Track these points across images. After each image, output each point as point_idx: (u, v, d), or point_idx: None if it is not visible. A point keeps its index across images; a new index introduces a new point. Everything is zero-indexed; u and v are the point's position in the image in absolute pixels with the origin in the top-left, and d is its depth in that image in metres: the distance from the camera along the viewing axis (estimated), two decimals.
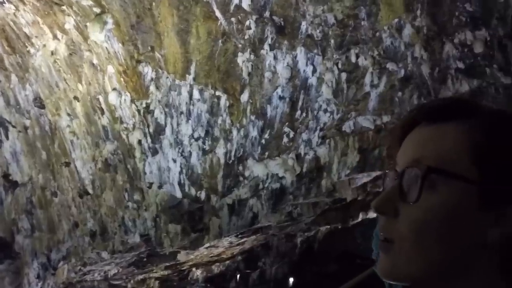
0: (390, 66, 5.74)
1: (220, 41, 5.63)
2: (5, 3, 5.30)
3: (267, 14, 5.50)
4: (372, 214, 6.62)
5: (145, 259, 6.15)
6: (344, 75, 5.84)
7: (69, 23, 5.45)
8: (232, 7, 5.43)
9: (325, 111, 5.95)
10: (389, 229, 0.76)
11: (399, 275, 0.76)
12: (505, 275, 0.75)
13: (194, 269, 6.47)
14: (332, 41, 5.64)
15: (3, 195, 6.91)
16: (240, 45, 5.66)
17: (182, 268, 6.33)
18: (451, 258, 0.76)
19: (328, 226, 5.63)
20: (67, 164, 6.56)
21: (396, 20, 5.54)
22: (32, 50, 5.93)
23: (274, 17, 5.53)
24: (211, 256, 6.49)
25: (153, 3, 5.27)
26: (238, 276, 6.63)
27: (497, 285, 0.77)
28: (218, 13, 5.44)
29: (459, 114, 0.81)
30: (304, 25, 5.57)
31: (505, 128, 0.79)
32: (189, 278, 6.36)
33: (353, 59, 5.74)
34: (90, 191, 6.54)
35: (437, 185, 0.75)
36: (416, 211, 0.75)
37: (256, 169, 6.26)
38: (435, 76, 5.70)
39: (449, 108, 0.82)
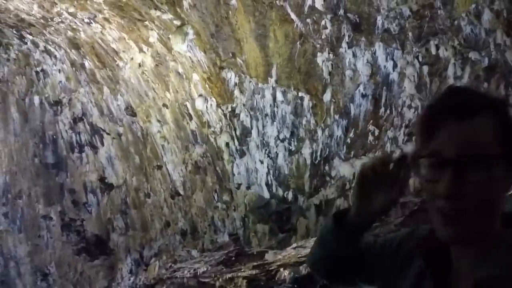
0: (473, 55, 5.66)
1: (298, 42, 5.88)
2: (92, 23, 5.98)
3: (341, 12, 5.66)
4: None
5: (233, 258, 6.46)
6: (425, 68, 5.86)
7: (153, 36, 6.02)
8: (306, 9, 5.67)
9: (409, 107, 5.98)
10: None
11: None
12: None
13: (281, 269, 6.73)
14: (410, 33, 5.69)
15: (99, 196, 7.62)
16: (318, 45, 5.88)
17: (270, 268, 6.60)
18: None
19: None
20: (159, 167, 7.11)
21: (473, 5, 5.42)
22: (120, 64, 6.59)
23: (349, 15, 5.68)
24: (299, 257, 6.72)
25: (229, 12, 5.65)
26: None
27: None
28: (293, 16, 5.73)
29: (482, 109, 1.17)
30: (379, 20, 5.65)
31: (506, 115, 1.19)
32: (276, 278, 6.65)
33: (433, 50, 5.73)
34: (181, 192, 7.03)
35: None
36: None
37: (342, 168, 6.39)
38: None
39: (474, 106, 1.18)
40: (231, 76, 6.23)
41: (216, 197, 6.87)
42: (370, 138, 6.22)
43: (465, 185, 1.13)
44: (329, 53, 5.94)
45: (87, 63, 6.84)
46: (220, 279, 6.18)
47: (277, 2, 5.69)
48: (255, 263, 6.44)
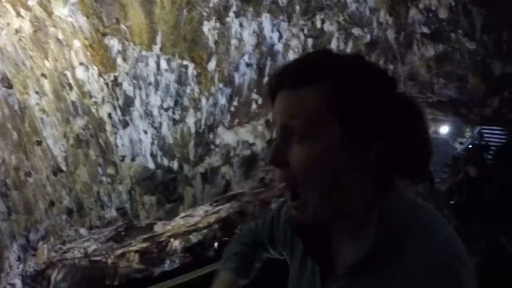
0: (356, 31, 5.97)
1: (184, 10, 5.78)
2: None
3: None
4: None
5: (123, 233, 6.39)
6: (310, 41, 6.07)
7: None
8: None
9: None
10: None
11: None
12: (372, 180, 1.09)
13: (172, 239, 6.76)
14: (297, 7, 5.84)
15: None
16: (205, 14, 5.83)
17: (160, 240, 6.61)
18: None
19: None
20: (39, 143, 6.67)
21: None
22: None
23: None
24: (188, 226, 6.78)
25: None
26: (216, 244, 6.98)
27: (366, 189, 1.08)
28: None
29: (313, 78, 1.07)
30: None
31: (351, 86, 1.06)
32: (167, 249, 6.67)
33: (318, 24, 5.94)
34: (64, 168, 6.68)
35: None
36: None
37: (226, 136, 6.48)
38: (401, 41, 5.96)
39: (304, 74, 1.08)
40: (114, 44, 5.97)
41: (100, 171, 6.63)
42: (254, 106, 6.32)
43: (287, 153, 1.09)
44: (215, 22, 5.91)
45: None
46: (112, 256, 6.08)
47: None
48: (145, 236, 6.43)
